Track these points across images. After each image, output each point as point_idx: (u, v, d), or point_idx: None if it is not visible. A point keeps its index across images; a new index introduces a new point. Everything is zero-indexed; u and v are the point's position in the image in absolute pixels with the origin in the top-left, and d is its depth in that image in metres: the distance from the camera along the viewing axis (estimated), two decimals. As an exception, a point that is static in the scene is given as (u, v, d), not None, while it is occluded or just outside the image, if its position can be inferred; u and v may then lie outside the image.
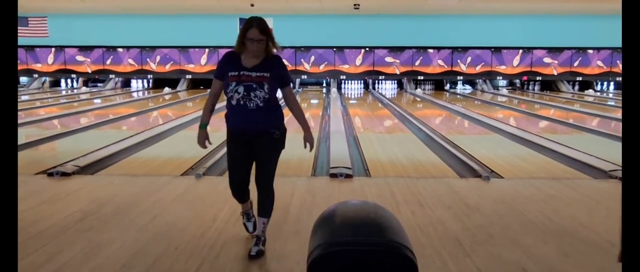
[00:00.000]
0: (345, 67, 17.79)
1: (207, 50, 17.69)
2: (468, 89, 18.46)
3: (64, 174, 4.56)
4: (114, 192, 4.05)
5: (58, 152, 6.35)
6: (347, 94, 16.94)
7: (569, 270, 2.60)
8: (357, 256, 1.18)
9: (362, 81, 18.22)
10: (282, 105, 2.80)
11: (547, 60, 17.71)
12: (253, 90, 2.63)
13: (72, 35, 17.69)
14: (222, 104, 2.74)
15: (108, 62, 18.02)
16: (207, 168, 4.87)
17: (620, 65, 14.95)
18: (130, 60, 17.98)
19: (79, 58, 18.04)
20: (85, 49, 17.96)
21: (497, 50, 17.70)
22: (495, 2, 15.09)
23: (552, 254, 2.81)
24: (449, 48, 17.69)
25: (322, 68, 17.80)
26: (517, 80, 18.55)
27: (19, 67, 17.95)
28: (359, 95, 16.58)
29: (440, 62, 17.73)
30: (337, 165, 4.87)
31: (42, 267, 2.58)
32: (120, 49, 17.95)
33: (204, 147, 2.86)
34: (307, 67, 17.78)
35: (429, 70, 17.76)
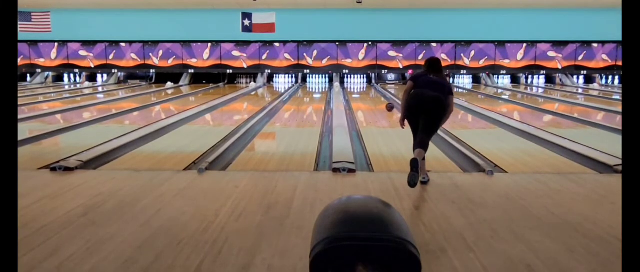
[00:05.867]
0: (348, 62, 17.74)
1: (209, 44, 17.65)
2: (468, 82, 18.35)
3: (67, 169, 4.56)
4: (116, 187, 4.04)
5: (61, 147, 6.35)
6: (350, 88, 16.90)
7: (574, 265, 2.58)
8: (360, 251, 1.16)
9: (365, 75, 18.19)
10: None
11: (551, 54, 17.61)
12: None
13: (75, 30, 17.72)
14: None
15: (111, 57, 18.03)
16: (210, 163, 4.86)
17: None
18: (133, 55, 17.99)
19: (82, 53, 18.06)
20: (88, 43, 17.98)
21: (500, 44, 17.61)
22: (499, -4, 15.02)
23: (557, 249, 2.79)
24: (452, 42, 17.61)
25: (325, 62, 17.75)
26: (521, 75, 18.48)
27: (23, 62, 17.99)
28: (362, 90, 16.54)
29: (443, 56, 17.65)
30: (340, 160, 4.84)
31: (45, 262, 2.58)
32: (122, 44, 17.95)
33: None
34: (309, 61, 17.73)
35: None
